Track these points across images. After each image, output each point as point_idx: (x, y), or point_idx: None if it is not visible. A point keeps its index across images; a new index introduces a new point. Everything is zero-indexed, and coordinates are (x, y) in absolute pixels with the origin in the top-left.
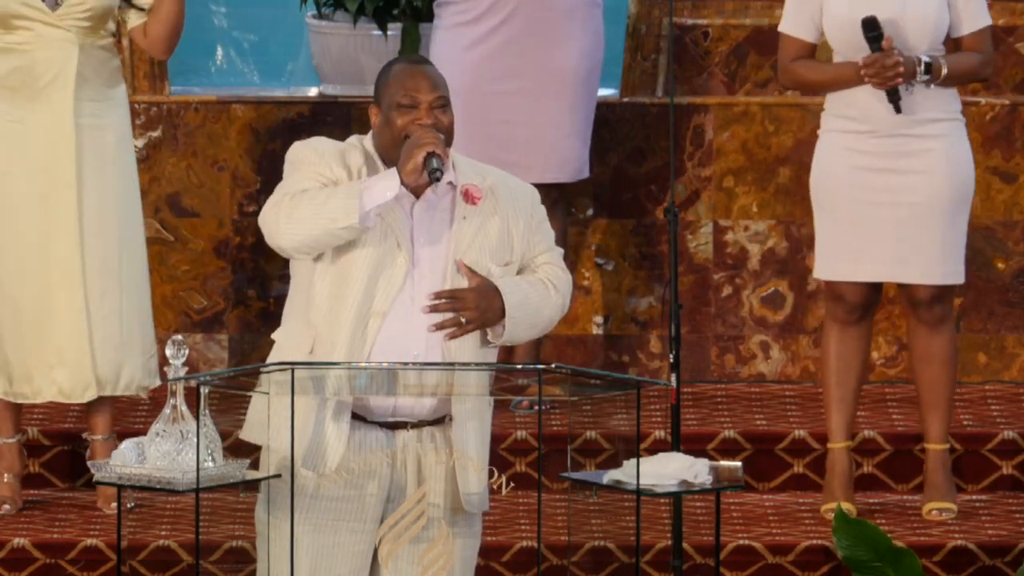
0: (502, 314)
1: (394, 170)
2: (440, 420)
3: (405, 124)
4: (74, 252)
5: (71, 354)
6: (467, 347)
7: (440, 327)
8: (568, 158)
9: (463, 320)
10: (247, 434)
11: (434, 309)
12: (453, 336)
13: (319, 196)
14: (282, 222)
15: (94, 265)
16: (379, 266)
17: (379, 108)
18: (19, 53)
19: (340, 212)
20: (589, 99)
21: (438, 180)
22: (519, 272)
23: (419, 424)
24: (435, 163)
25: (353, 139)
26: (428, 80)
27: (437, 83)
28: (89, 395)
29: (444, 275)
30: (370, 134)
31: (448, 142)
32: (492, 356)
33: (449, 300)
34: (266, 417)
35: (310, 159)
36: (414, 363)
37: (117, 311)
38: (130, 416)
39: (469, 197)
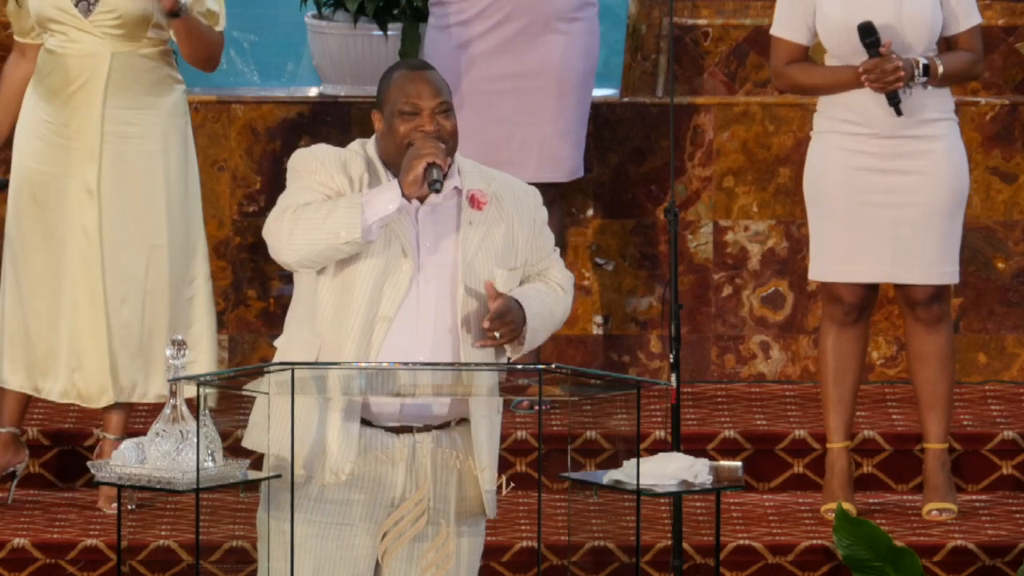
0: (523, 325)
1: (395, 182)
2: (447, 424)
3: (407, 131)
4: (94, 258)
5: (89, 358)
6: (480, 355)
7: (484, 346)
8: (563, 157)
9: (497, 335)
10: (248, 439)
11: (493, 341)
12: (486, 346)
13: (321, 210)
14: (284, 238)
15: (115, 273)
16: (384, 272)
17: (381, 114)
18: (56, 56)
19: (342, 227)
20: (584, 99)
21: (438, 191)
22: (525, 277)
23: (426, 428)
24: (435, 174)
25: (356, 144)
26: (430, 86)
27: (439, 89)
28: (105, 400)
29: (451, 281)
30: (373, 138)
31: (452, 148)
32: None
33: (503, 325)
34: (266, 419)
35: (312, 168)
36: (415, 364)
37: (138, 319)
38: (130, 416)
39: (475, 202)
